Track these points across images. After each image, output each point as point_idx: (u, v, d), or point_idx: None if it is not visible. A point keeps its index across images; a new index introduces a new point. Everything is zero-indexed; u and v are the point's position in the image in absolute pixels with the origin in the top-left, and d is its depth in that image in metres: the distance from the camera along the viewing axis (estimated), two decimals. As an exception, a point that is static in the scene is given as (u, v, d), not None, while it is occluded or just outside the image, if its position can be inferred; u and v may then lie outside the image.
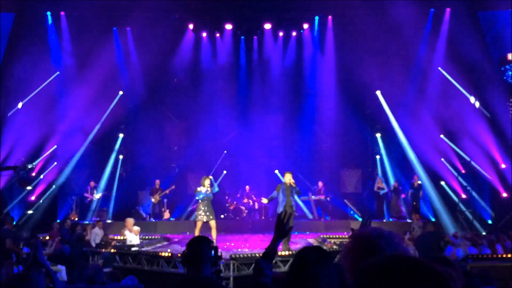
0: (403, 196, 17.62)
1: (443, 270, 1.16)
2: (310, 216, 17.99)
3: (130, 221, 12.57)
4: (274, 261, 8.87)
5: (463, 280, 2.23)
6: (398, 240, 1.70)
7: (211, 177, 13.21)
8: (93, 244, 12.68)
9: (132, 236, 12.24)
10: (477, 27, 16.57)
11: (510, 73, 16.50)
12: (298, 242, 13.22)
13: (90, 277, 5.72)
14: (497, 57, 16.82)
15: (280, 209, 11.07)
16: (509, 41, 16.00)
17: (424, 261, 1.18)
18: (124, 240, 12.37)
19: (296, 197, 12.06)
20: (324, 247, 11.88)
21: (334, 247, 11.58)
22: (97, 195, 17.52)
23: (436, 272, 1.14)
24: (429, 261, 1.19)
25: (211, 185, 12.00)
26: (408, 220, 16.30)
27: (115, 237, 13.31)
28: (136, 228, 12.58)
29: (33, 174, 17.07)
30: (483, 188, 16.94)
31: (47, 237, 13.40)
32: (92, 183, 17.56)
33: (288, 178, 11.14)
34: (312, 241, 13.53)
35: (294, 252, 10.47)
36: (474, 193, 16.80)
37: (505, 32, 16.18)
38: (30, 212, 16.70)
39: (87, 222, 16.01)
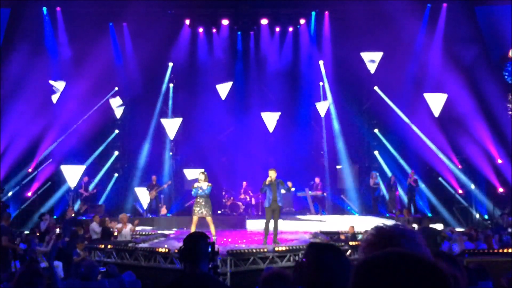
0: (397, 193, 17.63)
1: (445, 267, 1.15)
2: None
3: (124, 216, 12.71)
4: (271, 256, 8.83)
5: (466, 279, 2.21)
6: (420, 240, 1.68)
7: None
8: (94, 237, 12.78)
9: (127, 231, 12.34)
10: (474, 22, 16.59)
11: (510, 69, 16.51)
12: (295, 238, 13.23)
13: (84, 273, 5.71)
14: (495, 52, 16.84)
15: (267, 204, 11.38)
16: (507, 37, 16.00)
17: (426, 258, 1.17)
18: (117, 236, 12.46)
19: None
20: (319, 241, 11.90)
21: (331, 242, 11.59)
22: (92, 191, 17.53)
23: (438, 269, 1.13)
24: (434, 258, 1.18)
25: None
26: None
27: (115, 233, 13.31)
28: (130, 225, 12.68)
29: (30, 170, 17.09)
30: (480, 183, 16.99)
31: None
32: (85, 178, 17.48)
33: (273, 175, 11.38)
34: (308, 236, 13.55)
35: (291, 247, 10.49)
36: (471, 188, 16.88)
37: (503, 28, 16.19)
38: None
39: (84, 218, 15.99)
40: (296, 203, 18.71)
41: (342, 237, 12.85)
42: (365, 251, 1.69)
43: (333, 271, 2.15)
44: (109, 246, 11.44)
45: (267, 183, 11.34)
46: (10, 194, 16.40)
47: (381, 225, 1.74)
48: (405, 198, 17.60)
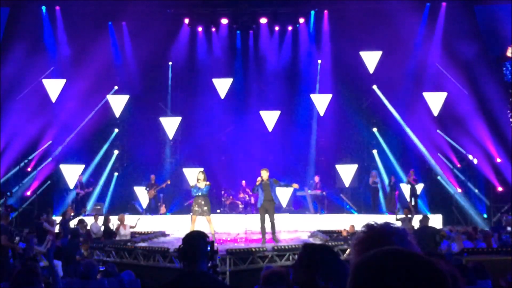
0: (397, 193, 17.62)
1: (445, 267, 1.15)
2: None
3: (122, 217, 12.76)
4: (270, 255, 8.83)
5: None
6: (411, 238, 1.68)
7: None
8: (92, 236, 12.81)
9: (126, 231, 12.40)
10: (473, 21, 16.60)
11: (510, 69, 16.53)
12: (294, 237, 13.23)
13: (84, 272, 5.71)
14: (494, 51, 16.85)
15: (259, 204, 11.43)
16: (506, 36, 16.00)
17: (425, 257, 1.17)
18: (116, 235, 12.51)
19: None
20: (319, 241, 11.91)
21: (330, 242, 11.59)
22: (88, 190, 17.50)
23: (436, 268, 1.13)
24: (431, 257, 1.17)
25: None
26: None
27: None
28: (128, 224, 12.73)
29: (29, 169, 17.08)
30: (479, 182, 16.99)
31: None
32: (80, 177, 17.43)
33: (265, 175, 11.39)
34: (307, 235, 13.55)
35: (290, 246, 10.50)
36: (470, 187, 16.88)
37: (502, 27, 16.20)
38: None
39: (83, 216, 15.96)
40: (295, 202, 18.69)
41: (344, 233, 12.81)
42: (356, 248, 1.69)
43: (328, 272, 2.15)
44: (108, 245, 11.45)
45: (258, 183, 11.37)
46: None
47: (372, 223, 1.74)
48: (405, 198, 17.59)
